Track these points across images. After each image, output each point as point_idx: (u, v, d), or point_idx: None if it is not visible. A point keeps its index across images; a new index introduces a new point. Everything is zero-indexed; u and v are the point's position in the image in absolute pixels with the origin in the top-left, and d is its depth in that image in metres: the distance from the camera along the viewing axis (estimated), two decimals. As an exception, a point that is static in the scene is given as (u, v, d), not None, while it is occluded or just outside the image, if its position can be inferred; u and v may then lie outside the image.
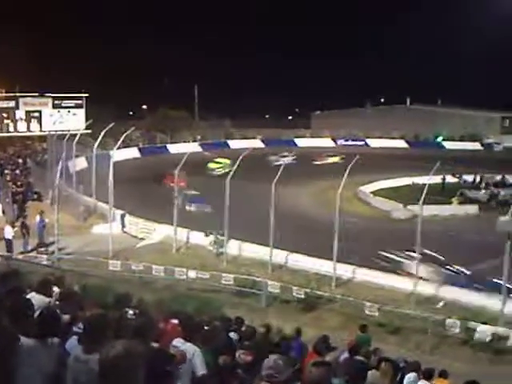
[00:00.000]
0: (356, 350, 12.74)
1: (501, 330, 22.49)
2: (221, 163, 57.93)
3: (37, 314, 8.04)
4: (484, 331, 22.02)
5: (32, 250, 31.57)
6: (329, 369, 6.66)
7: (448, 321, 22.61)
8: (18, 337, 4.66)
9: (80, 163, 48.59)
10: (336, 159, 64.80)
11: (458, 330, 22.44)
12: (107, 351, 4.06)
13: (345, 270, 28.41)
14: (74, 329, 8.05)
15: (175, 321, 11.83)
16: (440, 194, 47.58)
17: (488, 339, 21.92)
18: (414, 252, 27.19)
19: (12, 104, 58.61)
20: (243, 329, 14.67)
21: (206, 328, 11.36)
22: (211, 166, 59.16)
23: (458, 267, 28.26)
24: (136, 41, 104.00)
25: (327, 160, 67.21)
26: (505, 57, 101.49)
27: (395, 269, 28.66)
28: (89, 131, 51.06)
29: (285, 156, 61.37)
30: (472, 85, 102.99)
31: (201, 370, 8.85)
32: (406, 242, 28.70)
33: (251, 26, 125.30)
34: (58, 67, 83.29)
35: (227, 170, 38.85)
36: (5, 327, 4.07)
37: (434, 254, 28.43)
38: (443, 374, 13.98)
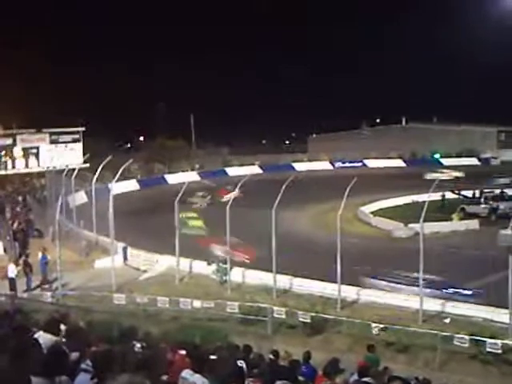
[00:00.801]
0: (365, 370, 12.70)
1: (510, 342, 22.42)
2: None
3: (45, 352, 8.07)
4: (494, 344, 21.93)
5: (36, 288, 31.52)
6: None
7: (456, 336, 22.51)
8: (30, 378, 4.69)
9: (79, 198, 48.70)
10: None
11: (466, 345, 22.34)
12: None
13: (349, 292, 28.36)
14: (82, 366, 8.04)
15: (183, 352, 11.83)
16: (440, 210, 47.67)
17: (498, 351, 21.82)
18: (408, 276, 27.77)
19: (9, 141, 58.67)
20: (251, 356, 14.64)
21: (213, 357, 11.34)
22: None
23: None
24: (131, 72, 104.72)
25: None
26: (499, 71, 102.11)
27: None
28: (87, 165, 51.11)
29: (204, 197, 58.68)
30: (467, 100, 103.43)
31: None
32: (408, 260, 28.69)
33: (246, 52, 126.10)
34: (54, 102, 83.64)
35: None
36: (17, 369, 4.09)
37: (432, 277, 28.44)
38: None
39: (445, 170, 71.46)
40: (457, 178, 70.20)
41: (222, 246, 32.73)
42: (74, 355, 8.77)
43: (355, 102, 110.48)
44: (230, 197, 49.31)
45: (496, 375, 21.52)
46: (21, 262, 33.59)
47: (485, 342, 22.16)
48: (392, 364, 17.89)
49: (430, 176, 64.34)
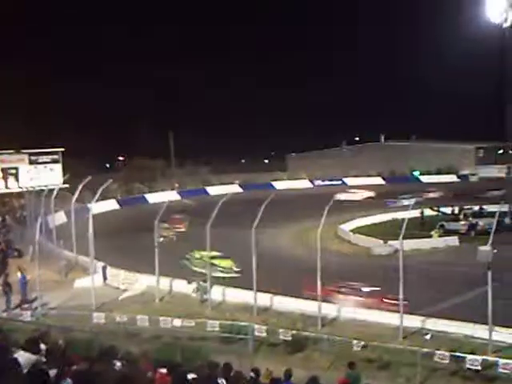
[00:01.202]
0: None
1: (490, 358, 22.55)
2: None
3: (25, 371, 8.06)
4: (474, 360, 22.03)
5: (15, 307, 31.29)
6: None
7: (437, 353, 22.59)
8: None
9: (59, 218, 48.52)
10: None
11: (447, 362, 22.42)
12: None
13: (330, 309, 28.40)
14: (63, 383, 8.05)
15: (163, 370, 11.84)
16: (420, 227, 47.93)
17: (478, 368, 21.92)
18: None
19: (-12, 162, 58.56)
20: (232, 374, 14.64)
21: (194, 376, 11.35)
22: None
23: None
24: (108, 92, 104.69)
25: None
26: (476, 89, 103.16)
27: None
28: (66, 186, 51.02)
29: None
30: (445, 118, 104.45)
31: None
32: (387, 277, 28.85)
33: (226, 69, 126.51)
34: (32, 122, 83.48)
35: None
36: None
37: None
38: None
39: (355, 190, 70.32)
40: (369, 197, 70.37)
41: None
42: (53, 373, 8.77)
43: (333, 120, 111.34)
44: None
45: (476, 391, 21.66)
46: (0, 281, 33.38)
47: (465, 358, 22.27)
48: (373, 381, 17.97)
49: (340, 196, 62.33)
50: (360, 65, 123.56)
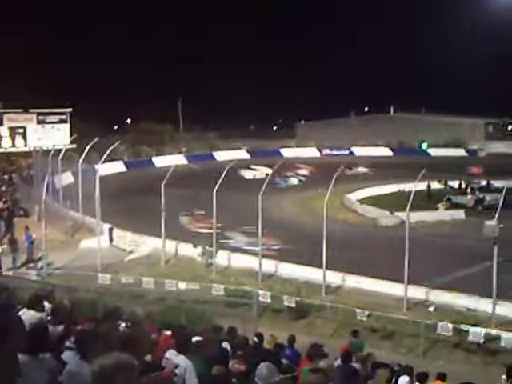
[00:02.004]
0: (349, 355, 12.75)
1: (493, 331, 22.59)
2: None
3: (28, 329, 8.02)
4: (476, 333, 22.07)
5: (21, 266, 31.42)
6: (325, 375, 6.69)
7: (440, 324, 22.63)
8: (17, 356, 4.65)
9: (66, 178, 48.54)
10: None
11: (450, 334, 22.47)
12: (101, 363, 4.05)
13: (335, 278, 28.43)
14: (67, 343, 8.02)
15: (168, 332, 11.82)
16: (426, 200, 47.80)
17: (481, 341, 21.97)
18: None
19: (-4, 121, 58.37)
20: (236, 339, 14.66)
21: (198, 339, 11.33)
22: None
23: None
24: (119, 54, 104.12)
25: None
26: (488, 63, 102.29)
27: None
28: (74, 146, 50.93)
29: None
30: (455, 92, 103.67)
31: (191, 385, 8.88)
32: (392, 248, 28.80)
33: (234, 36, 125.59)
34: (41, 82, 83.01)
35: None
36: (8, 347, 4.06)
37: None
38: (441, 377, 14.02)
39: (258, 167, 64.39)
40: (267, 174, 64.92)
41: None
42: (58, 332, 8.75)
43: (345, 89, 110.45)
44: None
45: (478, 364, 21.69)
46: (6, 240, 33.49)
47: (467, 330, 22.31)
48: (376, 350, 18.00)
49: (244, 173, 60.84)
50: (376, 36, 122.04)
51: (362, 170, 63.55)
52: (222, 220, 31.91)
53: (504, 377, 14.88)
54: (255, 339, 14.61)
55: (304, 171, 60.53)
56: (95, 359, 4.20)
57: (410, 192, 29.24)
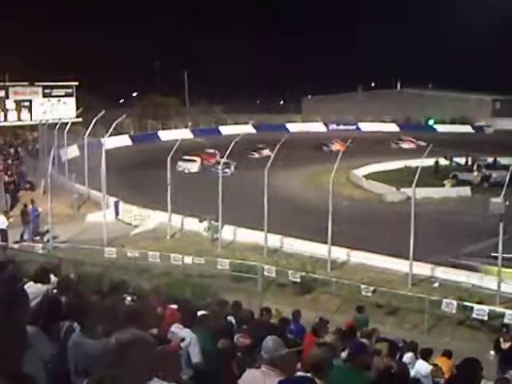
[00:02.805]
0: (354, 330, 12.78)
1: (497, 308, 22.61)
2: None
3: (35, 302, 8.03)
4: (481, 310, 22.09)
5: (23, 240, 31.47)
6: (331, 349, 6.70)
7: (444, 301, 22.66)
8: (25, 327, 4.65)
9: (72, 151, 48.51)
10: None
11: (454, 311, 22.50)
12: (118, 338, 4.09)
13: (340, 253, 28.44)
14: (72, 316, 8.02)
15: (173, 306, 11.85)
16: (433, 176, 47.73)
17: (485, 318, 21.99)
18: None
19: (2, 94, 58.29)
20: (241, 313, 14.70)
21: (203, 313, 11.35)
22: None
23: None
24: (125, 27, 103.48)
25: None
26: (495, 39, 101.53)
27: None
28: (79, 120, 50.93)
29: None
30: (463, 68, 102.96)
31: (195, 358, 8.90)
32: (398, 224, 28.78)
33: (241, 8, 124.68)
34: (47, 56, 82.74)
35: None
36: (16, 319, 4.07)
37: None
38: (447, 354, 14.05)
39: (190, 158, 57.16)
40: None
41: None
42: (64, 304, 8.76)
43: (351, 64, 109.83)
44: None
45: (482, 340, 21.71)
46: (13, 213, 33.58)
47: (472, 307, 22.34)
48: (381, 326, 18.04)
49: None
50: (382, 11, 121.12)
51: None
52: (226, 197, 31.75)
53: (492, 352, 14.99)
54: (263, 313, 14.66)
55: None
56: (114, 334, 4.23)
57: (416, 168, 29.17)
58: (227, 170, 45.20)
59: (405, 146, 70.77)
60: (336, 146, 62.53)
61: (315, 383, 5.16)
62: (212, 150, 58.23)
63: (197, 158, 55.93)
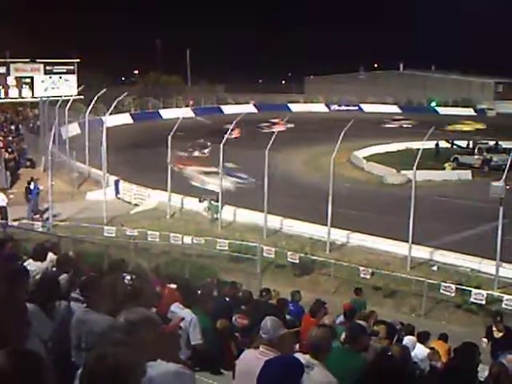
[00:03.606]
0: (351, 313, 12.81)
1: (495, 293, 22.66)
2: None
3: (34, 279, 8.06)
4: (478, 295, 22.15)
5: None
6: (330, 331, 6.72)
7: (443, 284, 22.71)
8: (25, 305, 4.67)
9: (73, 129, 48.47)
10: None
11: (452, 294, 22.56)
12: (126, 317, 4.14)
13: (339, 235, 28.46)
14: (73, 294, 8.05)
15: (173, 285, 11.88)
16: (434, 159, 47.67)
17: (483, 302, 22.04)
18: None
19: (3, 70, 58.04)
20: (239, 293, 14.74)
21: (202, 292, 11.39)
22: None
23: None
24: (126, 5, 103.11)
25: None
26: (499, 22, 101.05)
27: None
28: (81, 97, 50.73)
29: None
30: (466, 50, 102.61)
31: (195, 339, 8.95)
32: (398, 206, 28.77)
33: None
34: (48, 33, 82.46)
35: None
36: (15, 297, 4.09)
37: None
38: (443, 337, 14.11)
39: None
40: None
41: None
42: (64, 281, 8.79)
43: (353, 45, 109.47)
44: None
45: (479, 324, 21.76)
46: (14, 190, 33.58)
47: (470, 291, 22.39)
48: (378, 308, 18.08)
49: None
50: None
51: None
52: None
53: (485, 340, 15.01)
54: (263, 294, 14.70)
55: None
56: (122, 313, 4.29)
57: (417, 150, 29.13)
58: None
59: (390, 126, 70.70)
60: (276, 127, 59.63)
61: (301, 363, 5.18)
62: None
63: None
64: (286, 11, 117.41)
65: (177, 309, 9.40)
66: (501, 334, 14.62)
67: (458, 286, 22.68)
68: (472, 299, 22.20)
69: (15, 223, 29.47)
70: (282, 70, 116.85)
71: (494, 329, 14.85)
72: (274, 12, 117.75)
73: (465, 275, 24.31)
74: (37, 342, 5.17)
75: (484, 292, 22.27)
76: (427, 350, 12.45)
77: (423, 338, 13.13)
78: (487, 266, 24.54)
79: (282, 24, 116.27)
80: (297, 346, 8.94)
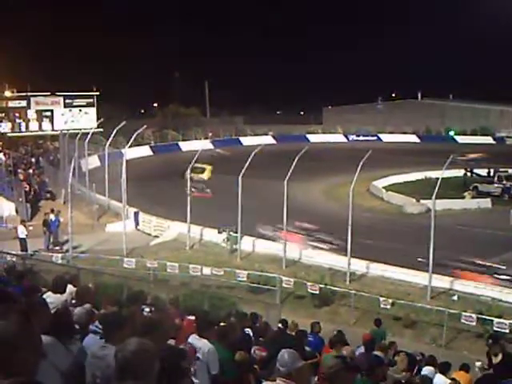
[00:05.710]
0: (371, 344, 12.74)
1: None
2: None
3: (53, 311, 8.09)
4: (501, 324, 21.93)
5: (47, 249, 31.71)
6: (345, 362, 6.69)
7: (463, 314, 22.53)
8: (40, 337, 4.70)
9: (92, 162, 48.81)
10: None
11: (473, 324, 22.37)
12: (122, 348, 4.12)
13: (359, 265, 28.36)
14: (91, 327, 8.07)
15: (191, 317, 11.88)
16: (462, 189, 47.59)
17: (506, 331, 21.81)
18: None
19: (24, 103, 58.83)
20: (258, 325, 14.71)
21: (221, 324, 11.38)
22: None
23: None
24: (146, 38, 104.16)
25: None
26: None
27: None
28: (100, 130, 51.19)
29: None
30: (484, 78, 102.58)
31: (213, 369, 8.91)
32: (418, 235, 28.66)
33: (261, 21, 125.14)
34: (68, 66, 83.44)
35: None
36: (28, 328, 4.11)
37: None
38: (464, 368, 13.92)
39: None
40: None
41: None
42: (83, 315, 8.81)
43: (371, 75, 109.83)
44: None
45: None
46: (33, 222, 33.77)
47: (492, 321, 22.18)
48: (399, 339, 17.97)
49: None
50: (407, 22, 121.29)
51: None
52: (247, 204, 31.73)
53: (478, 363, 14.70)
54: (279, 325, 14.66)
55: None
56: (119, 344, 4.27)
57: (436, 179, 29.07)
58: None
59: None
60: None
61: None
62: None
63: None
64: (304, 42, 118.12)
65: (194, 340, 9.38)
66: (499, 359, 14.12)
67: (479, 316, 22.48)
68: (495, 328, 21.97)
69: (35, 255, 29.66)
70: (301, 100, 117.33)
71: (492, 355, 14.33)
72: (291, 43, 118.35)
73: (486, 304, 24.11)
74: (52, 373, 5.19)
75: (507, 321, 22.05)
76: (448, 381, 12.33)
77: (444, 369, 13.00)
78: (508, 295, 24.34)
79: (298, 54, 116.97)
80: (315, 378, 8.90)
